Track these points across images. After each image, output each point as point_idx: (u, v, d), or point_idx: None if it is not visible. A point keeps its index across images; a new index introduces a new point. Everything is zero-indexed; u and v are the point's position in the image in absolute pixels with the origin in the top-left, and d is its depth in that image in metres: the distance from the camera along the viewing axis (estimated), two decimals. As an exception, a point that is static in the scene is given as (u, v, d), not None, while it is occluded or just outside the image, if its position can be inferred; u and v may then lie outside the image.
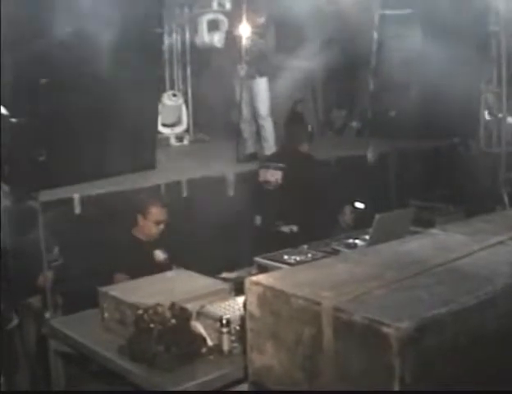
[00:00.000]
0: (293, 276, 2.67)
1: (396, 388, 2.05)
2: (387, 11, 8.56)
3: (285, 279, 2.60)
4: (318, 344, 2.29)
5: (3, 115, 4.44)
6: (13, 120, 4.46)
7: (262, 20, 7.53)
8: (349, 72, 9.76)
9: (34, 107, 4.54)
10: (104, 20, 4.73)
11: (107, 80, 4.87)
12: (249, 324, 2.61)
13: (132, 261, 4.88)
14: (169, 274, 4.44)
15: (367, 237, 5.04)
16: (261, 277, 2.74)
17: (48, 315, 4.87)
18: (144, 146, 5.40)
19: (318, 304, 2.28)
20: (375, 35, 8.56)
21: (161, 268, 4.82)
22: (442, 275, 2.56)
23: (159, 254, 5.19)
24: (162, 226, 5.25)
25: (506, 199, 8.26)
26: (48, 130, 4.63)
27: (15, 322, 4.82)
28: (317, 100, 12.10)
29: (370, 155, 7.81)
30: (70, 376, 4.48)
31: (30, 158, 4.59)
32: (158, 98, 7.50)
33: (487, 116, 8.96)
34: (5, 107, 4.44)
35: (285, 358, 2.45)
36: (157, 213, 5.22)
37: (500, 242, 2.96)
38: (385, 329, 2.05)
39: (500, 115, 8.91)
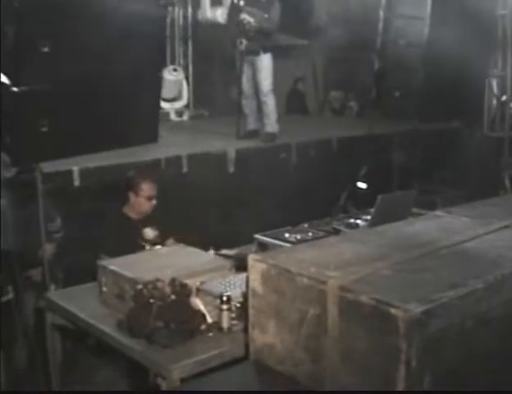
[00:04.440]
0: (297, 254, 2.64)
1: (402, 371, 2.03)
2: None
3: (290, 257, 2.58)
4: (323, 324, 2.27)
5: (5, 84, 4.39)
6: (15, 89, 4.40)
7: None
8: (352, 52, 9.69)
9: (37, 76, 4.47)
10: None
11: (110, 51, 4.80)
12: (251, 302, 2.59)
13: (123, 240, 4.86)
14: (169, 250, 4.41)
15: (368, 217, 5.01)
16: (265, 255, 2.72)
17: (52, 288, 4.88)
18: (146, 119, 5.34)
19: (324, 283, 2.26)
20: (381, 15, 8.47)
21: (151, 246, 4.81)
22: (448, 257, 2.55)
23: (148, 232, 5.15)
24: (153, 202, 5.21)
25: (508, 182, 8.25)
26: (50, 101, 4.57)
27: (10, 295, 4.80)
28: (317, 79, 12.05)
29: None
30: (67, 350, 4.47)
31: (32, 128, 4.52)
32: (161, 72, 7.40)
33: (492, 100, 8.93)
34: (6, 75, 4.38)
35: (288, 337, 2.43)
36: (148, 188, 5.18)
37: (505, 226, 2.95)
38: (392, 311, 2.03)
39: (503, 98, 8.87)
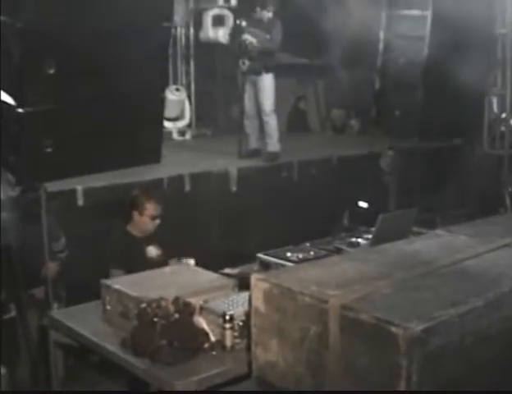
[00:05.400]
0: (299, 273, 2.67)
1: (402, 388, 2.05)
2: (394, 11, 8.53)
3: (292, 276, 2.61)
4: (324, 342, 2.29)
5: (10, 105, 4.43)
6: (20, 110, 4.44)
7: (269, 14, 7.52)
8: (353, 70, 9.76)
9: (41, 97, 4.52)
10: (112, 11, 4.73)
11: (114, 72, 4.85)
12: (253, 320, 2.62)
13: (127, 257, 4.91)
14: (172, 268, 4.44)
15: (369, 236, 5.04)
16: (267, 274, 2.75)
17: (55, 306, 4.90)
18: (149, 140, 5.38)
19: (326, 302, 2.28)
20: (381, 34, 8.55)
21: (154, 264, 4.81)
22: (449, 276, 2.57)
23: (151, 251, 5.18)
24: (157, 222, 5.24)
25: (508, 201, 8.28)
26: (54, 122, 4.61)
27: (12, 313, 4.81)
28: (319, 97, 12.12)
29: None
30: (70, 368, 4.48)
31: (37, 148, 4.57)
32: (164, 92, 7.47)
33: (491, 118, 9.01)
34: (12, 96, 4.43)
35: (290, 355, 2.45)
36: (152, 208, 5.20)
37: (506, 245, 2.97)
38: (393, 329, 2.05)
39: (503, 116, 8.93)
